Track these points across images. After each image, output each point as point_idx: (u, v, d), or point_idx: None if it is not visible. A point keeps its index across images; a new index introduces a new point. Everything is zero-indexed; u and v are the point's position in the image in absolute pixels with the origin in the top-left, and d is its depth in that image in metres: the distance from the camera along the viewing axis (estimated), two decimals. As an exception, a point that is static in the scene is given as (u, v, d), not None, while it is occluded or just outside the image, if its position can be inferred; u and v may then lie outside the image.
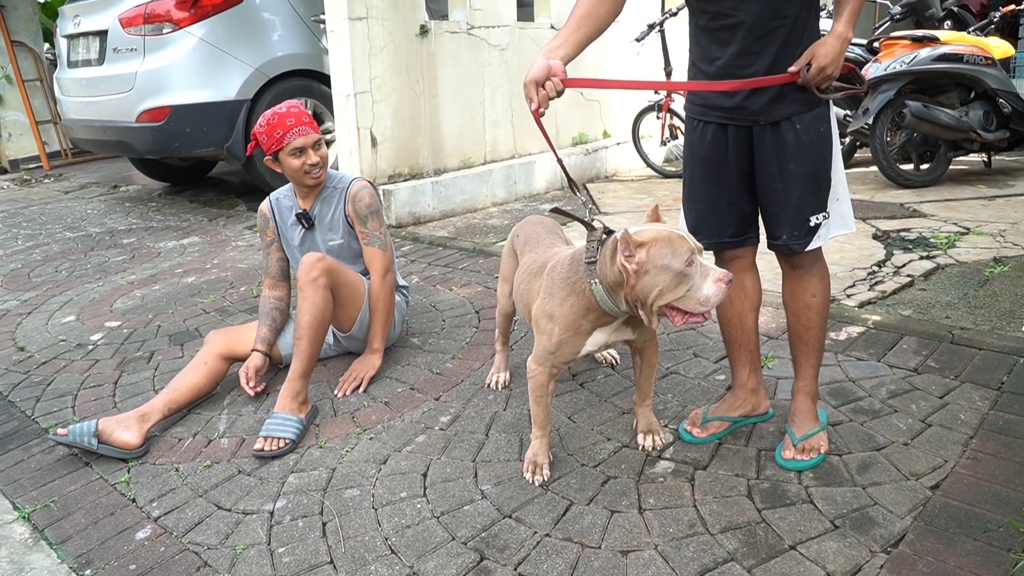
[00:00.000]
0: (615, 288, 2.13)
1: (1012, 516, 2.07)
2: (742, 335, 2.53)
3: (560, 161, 2.44)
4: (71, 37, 6.53)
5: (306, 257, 3.03)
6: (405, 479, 2.52)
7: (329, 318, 3.03)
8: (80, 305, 4.47)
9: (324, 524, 2.35)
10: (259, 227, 3.41)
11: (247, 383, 3.12)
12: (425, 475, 2.53)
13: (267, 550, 2.25)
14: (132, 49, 5.86)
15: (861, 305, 3.42)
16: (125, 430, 2.83)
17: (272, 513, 2.42)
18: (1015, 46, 5.70)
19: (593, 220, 2.25)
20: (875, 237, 4.39)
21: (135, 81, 5.82)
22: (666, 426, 2.65)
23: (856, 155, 6.37)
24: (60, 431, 2.81)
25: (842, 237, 4.37)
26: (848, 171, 6.11)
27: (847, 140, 6.21)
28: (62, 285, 4.88)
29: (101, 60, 6.15)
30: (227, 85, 5.79)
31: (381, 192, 5.26)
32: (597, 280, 2.16)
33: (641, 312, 2.13)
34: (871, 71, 5.36)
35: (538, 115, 2.18)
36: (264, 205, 3.38)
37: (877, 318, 3.23)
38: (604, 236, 2.20)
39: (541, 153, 6.25)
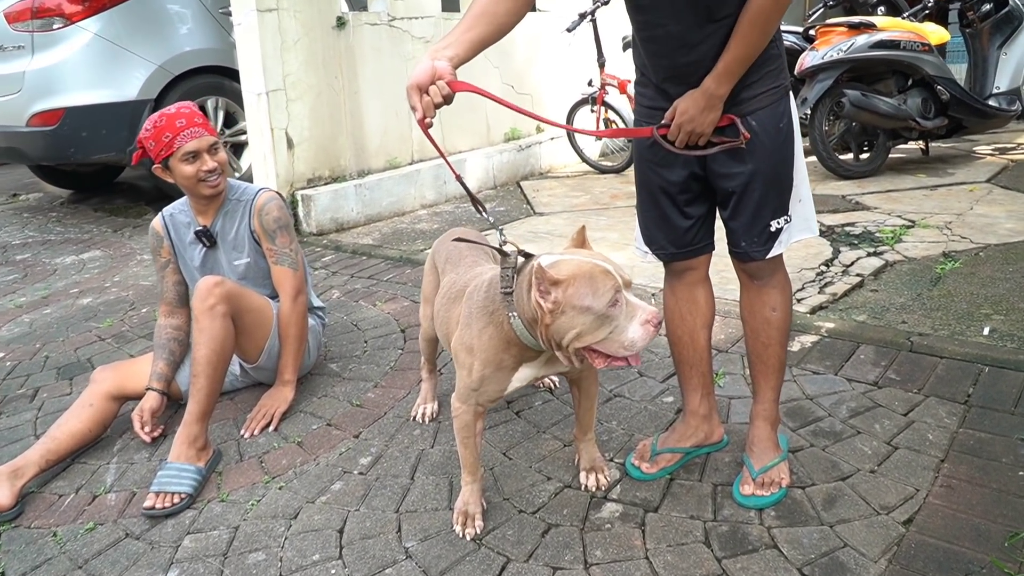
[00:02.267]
0: (533, 324, 1.85)
1: (994, 554, 1.85)
2: (694, 355, 2.28)
3: (459, 178, 2.13)
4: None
5: (202, 282, 2.68)
6: (319, 537, 2.20)
7: (230, 351, 2.68)
8: (-40, 334, 4.01)
9: (222, 598, 2.03)
10: (151, 247, 3.02)
11: (141, 428, 2.75)
12: (342, 531, 2.21)
13: (152, 635, 1.92)
14: (19, 47, 5.36)
15: (813, 311, 3.20)
16: None
17: (163, 586, 2.09)
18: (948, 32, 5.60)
19: (505, 244, 1.96)
20: (820, 233, 4.20)
21: (23, 82, 5.32)
22: (612, 460, 2.39)
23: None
24: None
25: (787, 234, 4.21)
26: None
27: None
28: (-57, 311, 4.40)
29: (-12, 59, 5.63)
30: (127, 84, 5.34)
31: (299, 197, 4.90)
32: (515, 313, 1.88)
33: (558, 353, 1.85)
34: (808, 60, 5.19)
35: (424, 125, 1.91)
36: (156, 222, 2.99)
37: (831, 325, 3.02)
38: (520, 261, 1.92)
39: (472, 150, 5.95)
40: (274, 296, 2.98)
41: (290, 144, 4.86)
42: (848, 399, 2.54)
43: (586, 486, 2.25)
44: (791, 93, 2.03)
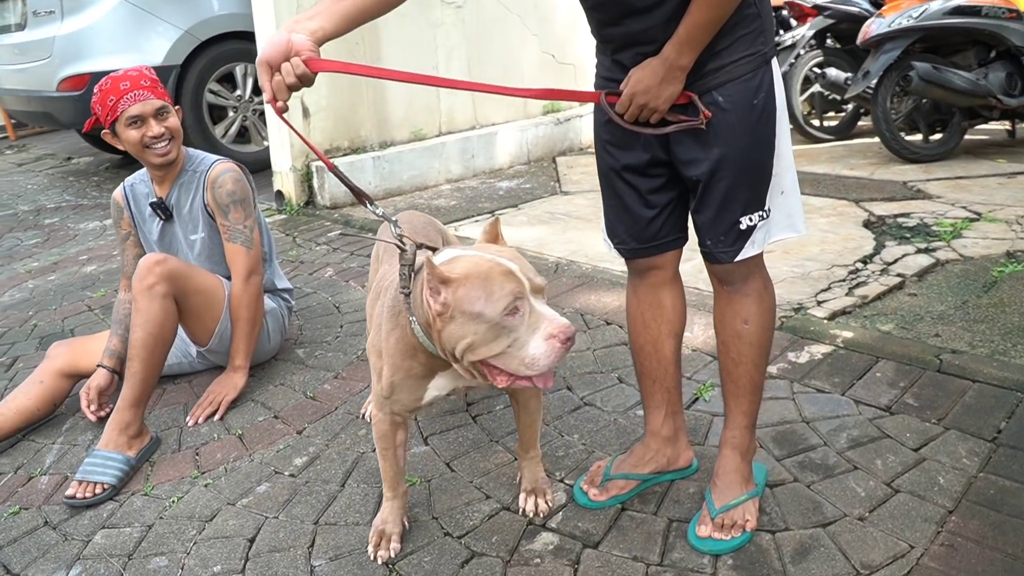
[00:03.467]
0: (428, 328, 1.57)
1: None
2: (657, 368, 1.96)
3: (333, 168, 1.77)
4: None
5: (144, 258, 2.49)
6: (227, 545, 1.99)
7: (169, 334, 2.48)
8: (-36, 297, 3.97)
9: (113, 607, 1.84)
10: (113, 218, 2.86)
11: (87, 406, 2.60)
12: (253, 540, 2.00)
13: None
14: (50, 12, 5.31)
15: (832, 316, 2.81)
16: None
17: (58, 586, 1.92)
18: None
19: (402, 237, 1.68)
20: (866, 224, 3.75)
21: (53, 47, 5.28)
22: (562, 480, 2.09)
23: (860, 123, 5.69)
24: None
25: (826, 224, 3.79)
26: (848, 143, 5.46)
27: (849, 107, 5.53)
28: (-40, 272, 4.39)
29: (23, 25, 5.60)
30: (153, 49, 5.23)
31: (313, 168, 4.70)
32: (414, 317, 1.61)
33: (455, 365, 1.57)
34: (873, 28, 4.68)
35: (278, 109, 1.58)
36: (117, 192, 2.83)
37: (849, 335, 2.62)
38: (417, 258, 1.64)
39: (506, 123, 5.63)
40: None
41: (306, 113, 4.66)
42: (851, 426, 2.17)
43: (524, 510, 1.97)
44: (774, 62, 1.67)
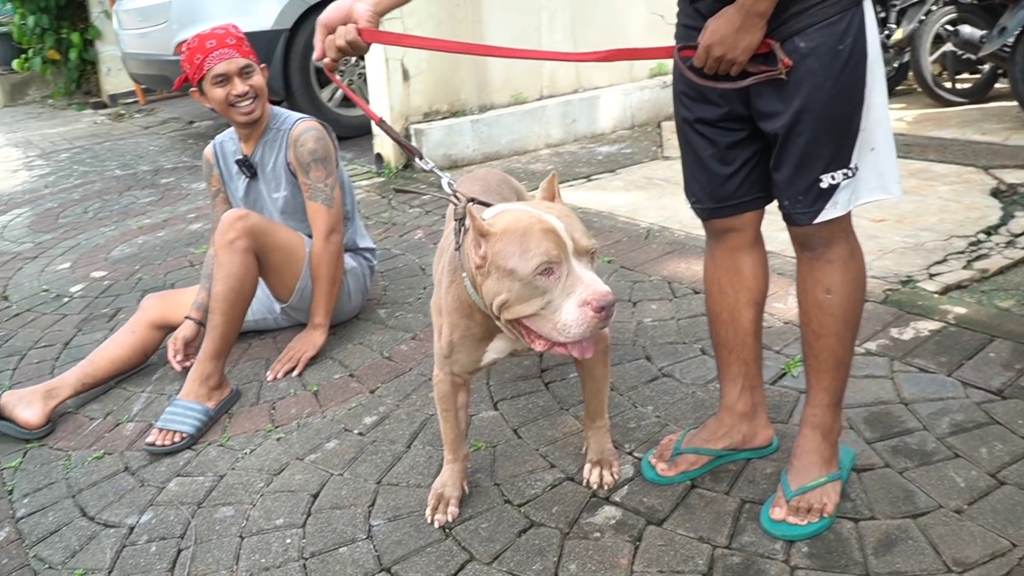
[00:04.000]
0: (475, 285, 1.50)
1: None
2: (734, 338, 1.83)
3: (380, 121, 1.83)
4: (123, -35, 6.25)
5: (225, 215, 2.52)
6: (291, 499, 2.00)
7: (249, 289, 2.51)
8: (81, 251, 4.18)
9: (179, 552, 1.88)
10: (204, 174, 2.93)
11: (173, 356, 2.68)
12: (316, 496, 2.00)
13: (100, 582, 1.82)
14: (168, -24, 5.49)
15: (944, 291, 2.56)
16: (28, 406, 2.47)
17: (132, 529, 2.00)
18: None
19: (456, 192, 1.61)
20: (994, 193, 3.42)
21: (170, 11, 5.45)
22: (631, 453, 1.99)
23: (997, 86, 5.21)
24: None
25: (948, 192, 3.48)
26: (983, 107, 5.02)
27: (984, 67, 5.08)
28: (80, 228, 4.62)
29: (144, -11, 5.83)
30: (263, 13, 5.31)
31: (412, 131, 4.68)
32: (465, 273, 1.54)
33: (498, 323, 1.49)
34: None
35: (328, 68, 1.70)
36: (208, 150, 2.89)
37: (962, 311, 2.39)
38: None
39: (610, 87, 5.45)
40: (319, 233, 2.78)
41: (406, 76, 4.64)
42: (955, 409, 1.97)
43: (588, 481, 1.89)
44: (867, 5, 1.50)
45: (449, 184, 1.68)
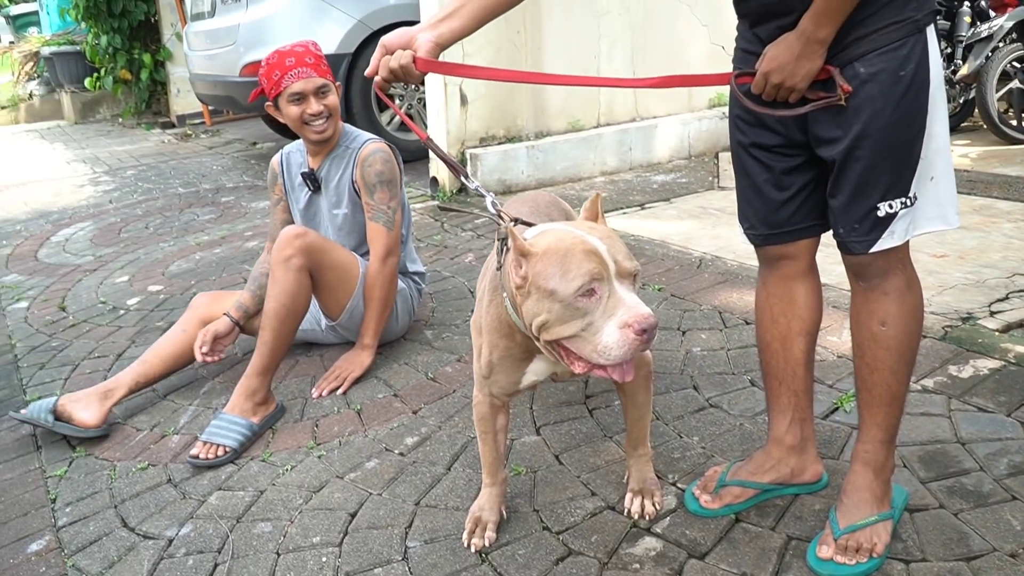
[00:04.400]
0: (515, 305, 1.49)
1: None
2: (784, 368, 1.78)
3: (427, 140, 1.81)
4: (193, -10, 6.46)
5: (284, 231, 2.55)
6: (329, 518, 1.99)
7: (302, 307, 2.53)
8: (140, 265, 4.28)
9: (216, 566, 1.88)
10: (268, 183, 2.99)
11: (199, 346, 2.65)
12: (354, 516, 1.99)
13: (136, 593, 1.83)
14: (237, 0, 5.64)
15: (1006, 328, 2.47)
16: (84, 408, 2.52)
17: (171, 542, 2.00)
18: None
19: (501, 212, 1.61)
20: (1065, 231, 3.31)
21: (238, 34, 5.60)
22: (674, 483, 1.95)
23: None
24: (23, 410, 2.55)
25: (1012, 229, 3.36)
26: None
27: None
28: (140, 242, 4.74)
29: (212, 12, 6.01)
30: (327, 37, 5.42)
31: (468, 156, 4.72)
32: (507, 293, 1.53)
33: (537, 344, 1.47)
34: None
35: (378, 87, 1.73)
36: (275, 159, 2.96)
37: (1023, 349, 2.30)
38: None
39: (668, 116, 5.43)
40: (368, 253, 2.79)
41: (463, 100, 4.68)
42: (1014, 450, 1.89)
43: (629, 511, 1.85)
44: (930, 32, 1.46)
45: (493, 203, 1.67)
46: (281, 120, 2.74)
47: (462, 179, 1.73)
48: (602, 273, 1.38)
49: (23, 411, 2.54)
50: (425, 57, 1.63)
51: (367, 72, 1.73)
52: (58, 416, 2.49)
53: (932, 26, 1.47)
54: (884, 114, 1.44)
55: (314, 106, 2.65)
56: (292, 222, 2.89)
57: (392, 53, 1.66)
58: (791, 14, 1.46)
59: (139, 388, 2.65)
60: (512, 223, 1.59)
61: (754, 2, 1.55)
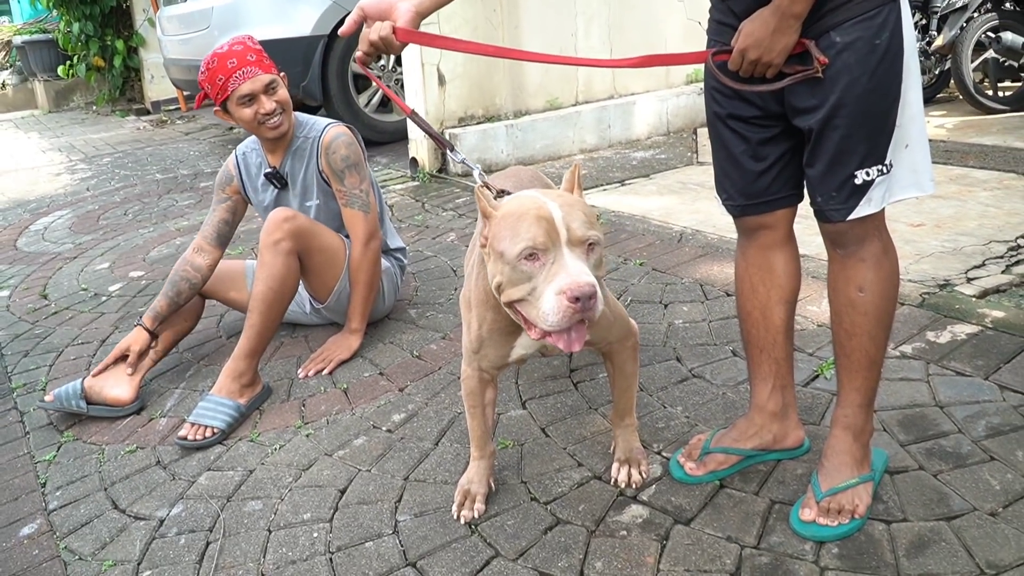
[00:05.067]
0: None
1: None
2: (765, 336, 1.81)
3: (411, 113, 1.82)
4: (166, -27, 6.38)
5: (274, 213, 2.54)
6: (319, 495, 2.01)
7: (290, 290, 2.53)
8: (121, 252, 4.25)
9: (207, 544, 1.90)
10: (218, 182, 2.83)
11: (127, 368, 2.58)
12: (343, 492, 2.01)
13: (132, 571, 1.85)
14: (210, -18, 5.58)
15: (983, 294, 2.52)
16: (115, 385, 2.54)
17: (162, 522, 2.01)
18: None
19: (487, 184, 1.63)
20: (1042, 199, 3.36)
21: (212, 17, 5.55)
22: (659, 452, 1.98)
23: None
24: (47, 396, 2.55)
25: (988, 197, 3.41)
26: (1024, 114, 4.92)
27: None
28: (119, 229, 4.71)
29: (185, -4, 5.94)
30: (302, 20, 5.38)
31: (447, 136, 4.71)
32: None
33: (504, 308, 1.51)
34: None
35: (360, 60, 1.70)
36: (230, 160, 2.83)
37: (1000, 314, 2.34)
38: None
39: (646, 92, 5.44)
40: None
41: (441, 80, 4.67)
42: (992, 412, 1.93)
43: (615, 480, 1.87)
44: (903, 1, 1.48)
45: (480, 175, 1.68)
46: (232, 123, 2.70)
47: (448, 153, 1.73)
48: (548, 240, 1.39)
49: (47, 397, 2.54)
50: (406, 27, 1.61)
51: (341, 31, 1.69)
52: (89, 400, 2.50)
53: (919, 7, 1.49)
54: (860, 82, 1.46)
55: (266, 104, 2.55)
56: (229, 223, 2.78)
57: (369, 22, 1.64)
58: None
59: (159, 358, 2.67)
60: (497, 194, 1.61)
61: None
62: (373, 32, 1.61)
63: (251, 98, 2.55)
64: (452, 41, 1.74)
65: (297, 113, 2.77)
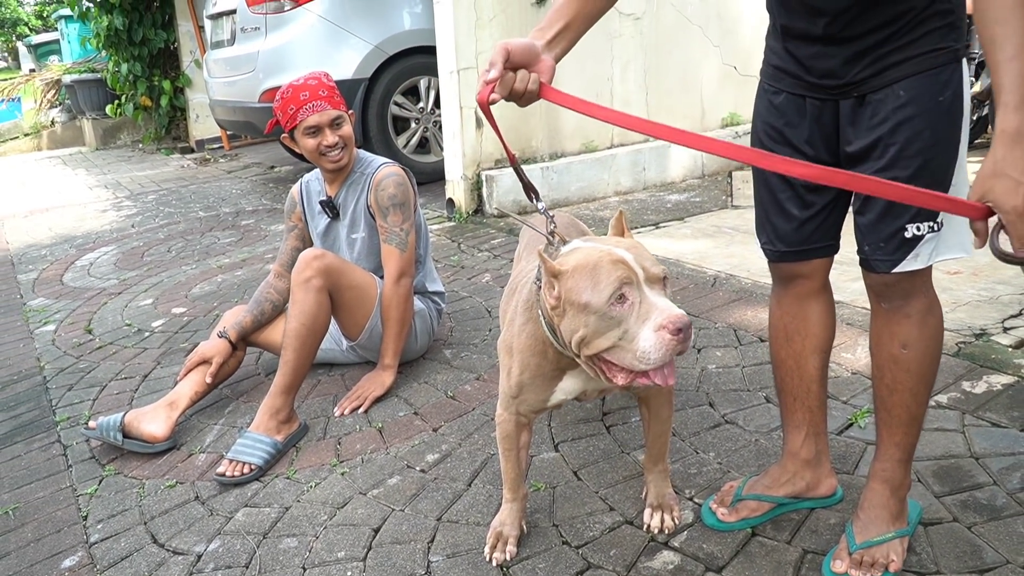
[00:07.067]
0: (551, 325, 1.54)
1: None
2: (799, 385, 1.81)
3: (513, 159, 1.68)
4: (213, 17, 6.58)
5: (304, 253, 2.62)
6: (353, 533, 2.04)
7: (322, 327, 2.59)
8: (164, 288, 4.36)
9: (244, 581, 1.93)
10: (286, 210, 3.06)
11: (208, 377, 2.73)
12: (377, 531, 2.04)
13: (165, 608, 1.87)
14: (256, 28, 5.76)
15: (1019, 344, 2.49)
16: (151, 421, 2.60)
17: (199, 557, 2.04)
18: None
19: (554, 232, 1.66)
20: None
21: (257, 61, 5.72)
22: (691, 498, 1.98)
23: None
24: (91, 424, 2.63)
25: None
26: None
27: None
28: (163, 265, 4.83)
29: (232, 40, 6.13)
30: (344, 63, 5.53)
31: (483, 177, 4.79)
32: (542, 313, 1.58)
33: (579, 361, 1.52)
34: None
35: (484, 102, 1.47)
36: (295, 188, 3.04)
37: (1038, 366, 2.33)
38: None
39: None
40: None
41: (479, 123, 4.76)
42: (1029, 465, 1.92)
43: (647, 525, 1.88)
44: (965, 62, 1.50)
45: (551, 219, 1.69)
46: (297, 151, 2.82)
47: (533, 201, 1.67)
48: (631, 278, 1.41)
49: (91, 424, 2.62)
50: (549, 87, 1.51)
51: (490, 61, 1.47)
52: (126, 433, 2.57)
53: (966, 59, 1.51)
54: (923, 137, 1.46)
55: (329, 138, 2.72)
56: (302, 249, 2.93)
57: (511, 64, 1.47)
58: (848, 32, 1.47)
59: (198, 398, 2.74)
60: (556, 242, 1.63)
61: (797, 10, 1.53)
62: (520, 82, 1.48)
63: (317, 130, 2.70)
64: (593, 107, 1.53)
65: (359, 150, 2.91)
